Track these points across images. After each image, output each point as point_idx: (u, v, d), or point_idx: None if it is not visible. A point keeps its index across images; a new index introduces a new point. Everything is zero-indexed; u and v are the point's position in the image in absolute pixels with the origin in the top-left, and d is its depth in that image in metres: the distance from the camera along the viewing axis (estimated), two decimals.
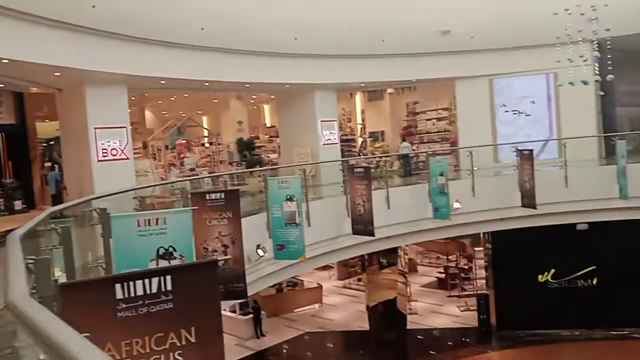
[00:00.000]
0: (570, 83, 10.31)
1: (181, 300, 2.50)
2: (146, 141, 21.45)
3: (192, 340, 2.51)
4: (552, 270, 13.68)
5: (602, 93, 14.09)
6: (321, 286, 17.64)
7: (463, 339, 14.19)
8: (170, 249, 4.68)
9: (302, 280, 17.61)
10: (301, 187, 8.54)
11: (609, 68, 10.06)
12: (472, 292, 15.70)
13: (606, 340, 13.20)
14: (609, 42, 9.86)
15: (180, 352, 2.49)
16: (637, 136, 15.61)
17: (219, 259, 5.75)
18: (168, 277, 2.49)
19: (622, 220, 12.06)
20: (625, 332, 13.40)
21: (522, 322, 13.86)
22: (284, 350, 14.16)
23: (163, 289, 2.46)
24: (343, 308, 16.88)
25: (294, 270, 9.74)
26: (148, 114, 22.03)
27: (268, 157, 17.98)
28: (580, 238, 12.81)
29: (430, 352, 13.35)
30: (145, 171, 12.88)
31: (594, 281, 13.53)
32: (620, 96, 14.71)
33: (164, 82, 11.52)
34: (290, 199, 8.35)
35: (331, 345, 14.79)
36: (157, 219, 4.67)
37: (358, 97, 19.37)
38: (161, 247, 4.67)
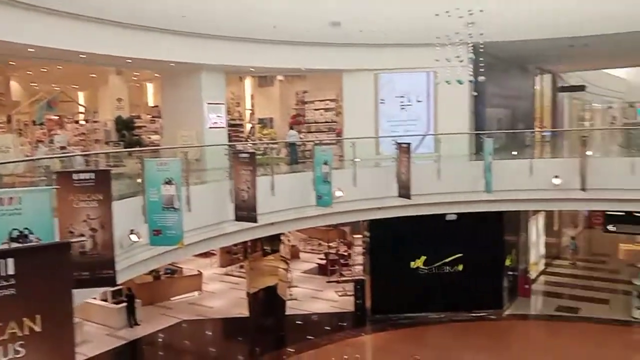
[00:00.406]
0: (447, 82, 10.97)
1: (25, 285, 2.23)
2: (11, 115, 19.42)
3: (37, 329, 2.25)
4: (423, 258, 14.64)
5: (475, 93, 15.19)
6: (201, 273, 17.26)
7: (340, 323, 14.67)
8: (26, 232, 4.24)
9: (182, 268, 17.09)
10: (181, 170, 8.19)
11: (481, 70, 10.85)
12: (350, 278, 16.28)
13: (467, 322, 14.40)
14: (482, 46, 10.62)
15: (21, 343, 2.23)
16: (503, 135, 17.12)
17: (72, 241, 5.28)
18: (10, 260, 2.21)
19: (487, 212, 13.17)
20: (483, 314, 14.71)
21: (394, 306, 14.69)
22: (159, 339, 13.67)
23: (3, 273, 2.18)
24: (223, 295, 16.67)
25: (172, 257, 9.37)
26: (14, 84, 19.96)
27: (149, 138, 17.09)
28: (449, 228, 13.79)
29: (308, 336, 13.62)
30: (7, 147, 11.64)
31: (460, 268, 14.67)
32: (490, 98, 15.97)
33: (32, 50, 10.43)
34: (169, 182, 7.98)
35: (209, 333, 14.55)
36: (10, 198, 4.20)
37: (248, 82, 19.08)
38: (15, 229, 4.21)
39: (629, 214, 13.67)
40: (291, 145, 14.06)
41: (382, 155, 14.58)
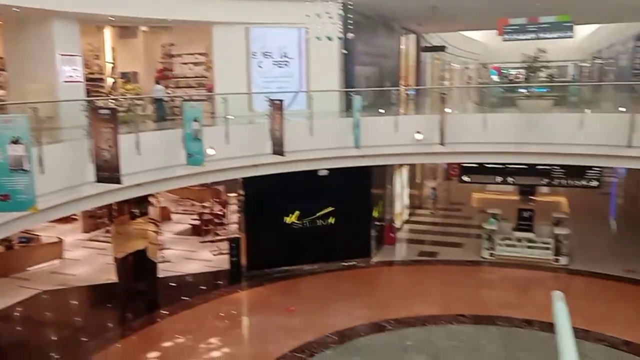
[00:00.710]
0: (317, 37, 11.01)
1: None
2: None
3: None
4: (297, 212, 14.96)
5: (345, 51, 15.48)
6: (62, 240, 16.04)
7: (215, 282, 14.61)
8: None
9: (39, 235, 15.73)
10: (30, 128, 7.37)
11: (350, 27, 11.03)
12: (225, 237, 16.20)
13: (338, 271, 15.13)
14: (350, 3, 10.77)
15: None
16: (371, 93, 17.75)
17: None
18: None
19: (356, 167, 13.71)
20: (353, 263, 15.55)
21: (269, 261, 14.95)
22: (16, 313, 12.58)
23: None
24: (88, 262, 15.70)
25: (25, 224, 8.51)
26: None
27: None
28: (321, 182, 14.18)
29: (182, 297, 13.40)
30: None
31: (332, 220, 15.25)
32: (358, 56, 16.37)
33: None
34: (16, 142, 7.16)
35: (75, 302, 13.68)
36: None
37: (108, 33, 17.52)
38: None
39: (481, 165, 15.03)
40: (158, 101, 13.32)
41: (256, 112, 14.42)
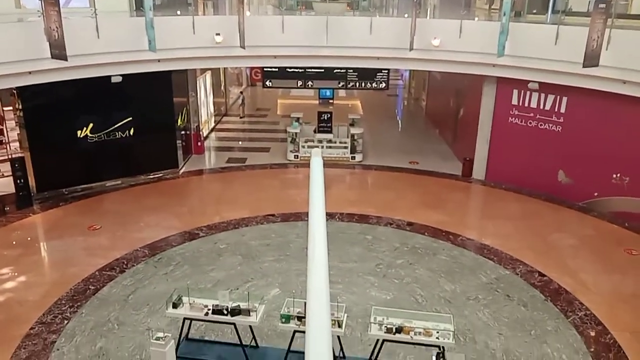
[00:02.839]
0: None
1: None
2: None
3: None
4: (91, 125, 13.59)
5: None
6: None
7: (0, 208, 12.88)
8: None
9: None
10: None
11: None
12: (5, 157, 14.15)
13: (145, 184, 14.47)
14: None
15: None
16: None
17: None
18: None
19: (154, 72, 12.78)
20: (160, 175, 14.98)
21: (64, 180, 13.59)
22: None
23: None
24: None
25: None
26: None
27: None
28: (116, 91, 12.95)
29: None
30: None
31: (131, 132, 14.23)
32: None
33: None
34: None
35: None
36: None
37: None
38: None
39: (282, 70, 15.18)
40: None
41: (25, 9, 12.31)
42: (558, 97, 13.16)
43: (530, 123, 13.80)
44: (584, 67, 10.88)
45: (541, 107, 13.52)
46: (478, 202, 14.70)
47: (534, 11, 14.91)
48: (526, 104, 13.76)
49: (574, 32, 11.50)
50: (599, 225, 12.36)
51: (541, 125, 13.61)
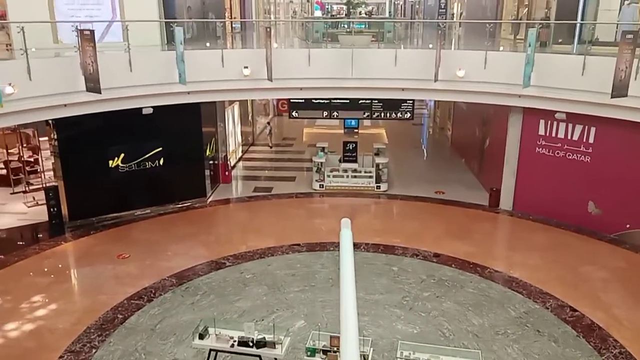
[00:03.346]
0: None
1: None
2: None
3: None
4: (122, 155, 13.95)
5: None
6: None
7: (33, 236, 13.25)
8: None
9: None
10: None
11: None
12: (40, 186, 14.60)
13: (173, 214, 14.71)
14: None
15: None
16: (195, 25, 16.90)
17: None
18: None
19: (183, 104, 13.12)
20: (188, 204, 15.21)
21: (95, 209, 13.90)
22: None
23: None
24: None
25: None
26: None
27: None
28: (147, 122, 13.32)
29: None
30: None
31: (161, 161, 14.55)
32: None
33: None
34: None
35: None
36: None
37: None
38: None
39: (308, 101, 15.43)
40: None
41: (63, 44, 12.84)
42: (586, 127, 13.01)
43: (558, 153, 13.64)
44: (612, 97, 10.78)
45: (569, 137, 13.38)
46: (505, 233, 14.50)
47: (560, 41, 14.87)
48: (553, 134, 13.63)
49: (601, 63, 11.43)
50: (631, 258, 12.04)
51: (569, 155, 13.45)
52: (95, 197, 13.82)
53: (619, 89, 10.70)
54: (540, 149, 13.94)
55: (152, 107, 12.66)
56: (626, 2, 13.87)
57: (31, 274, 11.38)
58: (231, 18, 22.38)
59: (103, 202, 14.02)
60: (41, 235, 13.27)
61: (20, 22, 10.33)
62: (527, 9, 18.09)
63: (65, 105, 11.01)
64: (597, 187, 13.12)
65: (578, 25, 14.00)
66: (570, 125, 13.27)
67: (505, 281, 11.05)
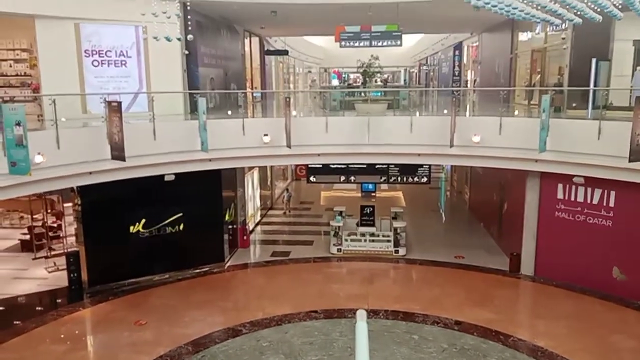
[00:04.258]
0: (155, 38, 10.58)
1: None
2: None
3: None
4: (143, 220, 14.18)
5: (186, 52, 15.10)
6: None
7: (52, 302, 13.30)
8: None
9: None
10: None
11: (189, 28, 10.78)
12: (61, 252, 14.81)
13: (191, 279, 14.69)
14: (189, 3, 10.52)
15: None
16: (217, 95, 17.57)
17: None
18: None
19: (205, 170, 13.43)
20: (207, 269, 15.22)
21: (114, 274, 13.97)
22: None
23: None
24: None
25: None
26: None
27: None
28: (169, 188, 13.63)
29: (15, 321, 11.99)
30: None
31: (181, 227, 14.73)
32: (202, 57, 16.08)
33: None
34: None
35: None
36: None
37: None
38: None
39: (325, 166, 15.70)
40: None
41: (91, 114, 13.43)
42: (605, 190, 12.94)
43: (578, 217, 13.51)
44: (630, 161, 10.79)
45: (588, 201, 13.28)
46: (528, 299, 14.14)
47: (574, 105, 15.08)
48: (572, 198, 13.55)
49: (617, 127, 11.53)
50: None
51: (590, 219, 13.30)
52: (115, 262, 13.94)
53: (637, 153, 10.72)
54: (560, 212, 13.83)
55: (174, 173, 12.98)
56: (638, 68, 14.15)
57: (47, 341, 11.33)
58: (252, 88, 23.23)
59: (122, 268, 14.12)
60: (60, 301, 13.31)
61: (52, 95, 10.89)
62: (539, 75, 18.50)
63: (90, 172, 11.37)
64: (620, 252, 12.85)
65: (591, 90, 14.23)
66: (589, 189, 13.20)
67: (530, 350, 10.68)
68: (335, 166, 15.60)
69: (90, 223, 13.57)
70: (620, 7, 10.69)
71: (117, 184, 12.20)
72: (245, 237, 17.40)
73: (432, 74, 38.95)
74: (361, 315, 5.10)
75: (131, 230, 14.12)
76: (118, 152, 11.24)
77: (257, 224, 20.26)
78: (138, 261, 14.30)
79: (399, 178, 15.73)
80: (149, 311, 12.67)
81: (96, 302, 13.25)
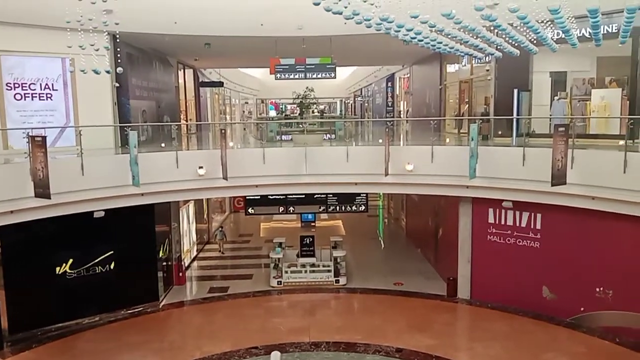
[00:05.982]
0: (82, 71, 10.23)
1: None
2: None
3: None
4: (70, 261, 13.43)
5: (117, 84, 14.71)
6: None
7: None
8: None
9: None
10: None
11: (119, 61, 10.51)
12: None
13: (123, 320, 13.96)
14: (118, 36, 10.28)
15: None
16: (150, 128, 17.15)
17: None
18: None
19: (136, 205, 12.95)
20: (140, 309, 14.53)
21: (39, 320, 13.05)
22: None
23: None
24: None
25: None
26: None
27: None
28: (98, 225, 13.00)
29: None
30: None
31: (112, 266, 14.05)
32: (133, 89, 15.71)
33: None
34: None
35: None
36: None
37: None
38: None
39: (264, 197, 15.58)
40: None
41: (13, 150, 12.72)
42: (532, 214, 13.56)
43: (508, 240, 14.04)
44: (552, 185, 11.38)
45: (517, 224, 13.85)
46: (465, 322, 14.43)
47: (500, 133, 15.84)
48: (503, 222, 14.10)
49: (539, 153, 12.19)
50: (589, 342, 12.11)
51: (519, 242, 13.85)
52: (39, 306, 13.04)
53: (558, 178, 11.33)
54: (492, 236, 14.33)
55: (103, 210, 12.42)
56: (556, 98, 15.11)
57: None
58: (187, 120, 22.88)
59: (48, 312, 13.23)
60: None
61: None
62: (467, 105, 19.37)
63: (12, 211, 10.69)
64: (549, 272, 13.43)
65: (515, 119, 15.02)
66: (517, 213, 13.79)
67: None
68: (273, 197, 15.52)
69: (10, 265, 12.67)
70: (534, 42, 11.45)
71: (41, 223, 11.53)
72: (180, 274, 16.82)
73: (366, 104, 40.00)
74: (275, 357, 5.04)
75: (57, 272, 13.31)
76: (42, 189, 10.64)
77: (193, 260, 19.67)
78: (65, 304, 13.47)
79: (338, 207, 15.84)
80: (77, 357, 11.90)
81: (17, 350, 12.27)
